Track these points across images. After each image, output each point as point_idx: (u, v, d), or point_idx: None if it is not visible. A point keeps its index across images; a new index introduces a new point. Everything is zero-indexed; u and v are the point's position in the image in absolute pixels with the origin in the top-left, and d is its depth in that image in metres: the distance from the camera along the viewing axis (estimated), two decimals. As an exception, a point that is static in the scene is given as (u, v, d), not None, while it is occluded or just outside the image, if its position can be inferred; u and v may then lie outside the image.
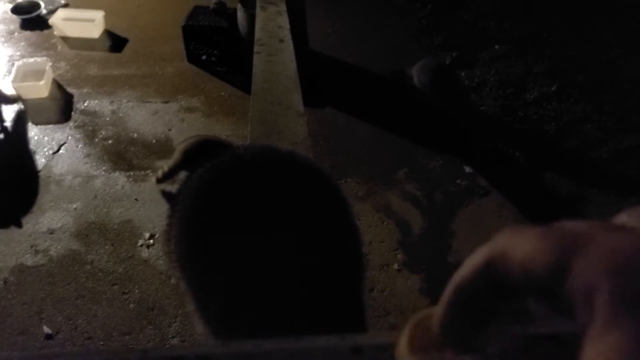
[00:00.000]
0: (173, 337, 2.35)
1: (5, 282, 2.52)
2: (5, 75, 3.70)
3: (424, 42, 4.33)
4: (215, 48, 3.84)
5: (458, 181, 3.16)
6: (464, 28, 4.46)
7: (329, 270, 0.65)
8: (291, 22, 3.17)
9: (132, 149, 3.24)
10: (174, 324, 2.40)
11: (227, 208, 0.63)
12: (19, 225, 2.78)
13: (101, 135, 3.32)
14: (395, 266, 2.68)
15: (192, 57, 3.93)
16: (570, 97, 3.73)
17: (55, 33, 4.19)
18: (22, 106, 3.47)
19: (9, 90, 3.52)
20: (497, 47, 4.19)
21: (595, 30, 4.38)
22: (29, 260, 2.63)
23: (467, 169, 3.23)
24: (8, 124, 3.37)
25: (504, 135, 3.48)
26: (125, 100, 3.60)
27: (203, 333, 0.68)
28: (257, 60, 2.52)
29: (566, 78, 3.88)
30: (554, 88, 3.78)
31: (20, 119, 3.42)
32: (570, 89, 3.79)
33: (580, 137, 3.47)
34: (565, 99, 3.72)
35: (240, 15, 3.62)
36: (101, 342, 2.35)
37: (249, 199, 0.63)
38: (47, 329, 2.38)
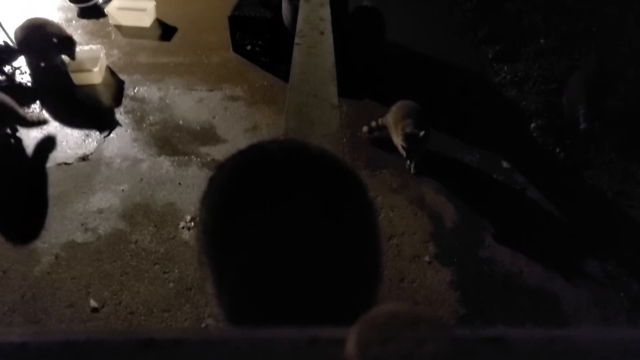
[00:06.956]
0: (209, 317, 2.46)
1: (56, 257, 2.69)
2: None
3: (468, 36, 4.29)
4: (260, 38, 3.92)
5: (495, 176, 3.14)
6: (509, 21, 4.38)
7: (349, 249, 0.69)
8: (334, 13, 3.22)
9: (177, 134, 3.37)
10: (210, 304, 2.50)
11: (248, 199, 0.67)
12: (71, 204, 2.95)
13: (149, 121, 3.46)
14: (427, 258, 2.70)
15: (238, 47, 4.03)
16: (616, 93, 3.63)
17: (110, 21, 4.38)
18: (78, 91, 3.66)
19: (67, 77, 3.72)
20: (542, 41, 4.11)
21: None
22: (79, 237, 2.79)
23: (505, 164, 3.21)
24: (65, 109, 3.56)
25: (544, 131, 3.43)
26: (172, 88, 3.74)
27: (217, 316, 0.73)
28: (296, 52, 2.58)
29: (613, 74, 3.77)
30: (600, 84, 3.67)
31: (76, 104, 3.61)
32: (617, 85, 3.68)
33: (627, 134, 3.37)
34: (611, 95, 3.61)
35: (285, 6, 3.69)
36: (142, 318, 2.48)
37: (270, 190, 0.65)
38: (93, 303, 2.52)
